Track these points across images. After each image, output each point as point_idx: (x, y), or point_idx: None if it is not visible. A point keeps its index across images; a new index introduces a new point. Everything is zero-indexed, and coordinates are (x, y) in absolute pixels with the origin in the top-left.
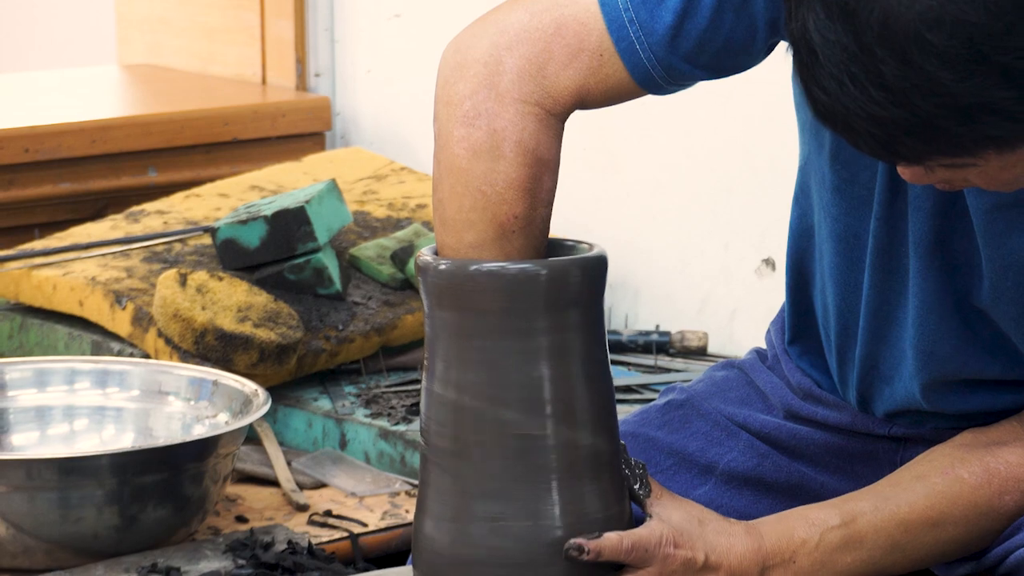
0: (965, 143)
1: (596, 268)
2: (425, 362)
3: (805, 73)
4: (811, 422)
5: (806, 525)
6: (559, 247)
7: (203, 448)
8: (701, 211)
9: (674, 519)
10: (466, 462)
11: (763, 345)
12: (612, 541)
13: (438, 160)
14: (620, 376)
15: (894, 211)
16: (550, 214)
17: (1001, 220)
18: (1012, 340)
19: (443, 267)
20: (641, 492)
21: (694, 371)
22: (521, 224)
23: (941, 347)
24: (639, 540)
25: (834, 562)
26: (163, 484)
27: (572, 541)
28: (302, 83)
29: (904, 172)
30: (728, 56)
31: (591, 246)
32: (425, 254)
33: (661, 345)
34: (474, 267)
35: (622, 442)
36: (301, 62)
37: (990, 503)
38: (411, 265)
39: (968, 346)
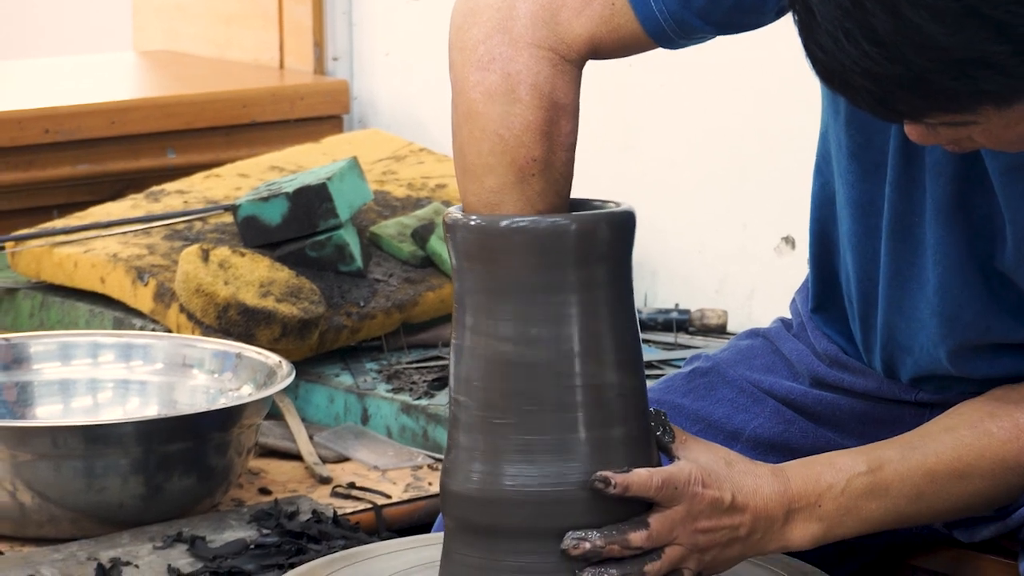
0: (961, 98)
1: (624, 223)
2: (454, 319)
3: (804, 32)
4: (837, 389)
5: (833, 470)
6: (587, 206)
7: (227, 417)
8: (719, 190)
9: (702, 460)
10: (495, 410)
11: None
12: (641, 476)
13: (455, 107)
14: None
15: (909, 178)
16: (572, 159)
17: (1021, 180)
18: None
19: (472, 223)
20: (665, 438)
21: (715, 348)
22: (540, 167)
23: (965, 313)
24: (669, 477)
25: (859, 508)
26: (188, 453)
27: (599, 473)
28: (320, 67)
29: (910, 132)
30: (740, 14)
31: (618, 204)
32: (453, 212)
33: (681, 323)
34: (504, 223)
35: None
36: (319, 46)
37: (1017, 458)
38: (432, 242)
39: (992, 311)
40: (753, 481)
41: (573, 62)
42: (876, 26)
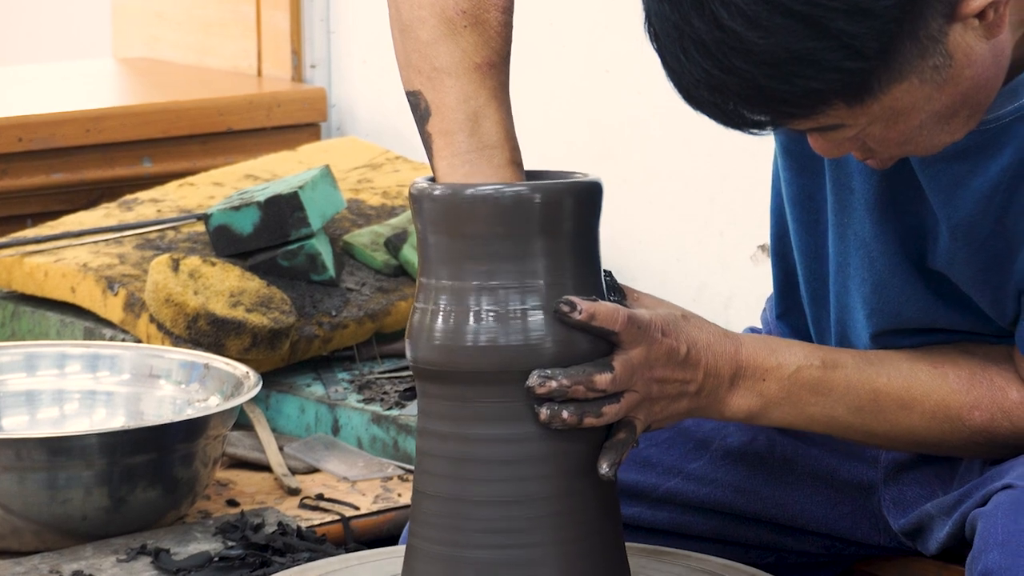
0: (800, 101)
1: (590, 193)
2: (418, 291)
3: (659, 57)
4: None
5: (788, 352)
6: (555, 177)
7: (192, 428)
8: (697, 198)
9: (660, 311)
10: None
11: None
12: (608, 307)
13: None
14: None
15: (838, 177)
16: (508, 22)
17: (945, 175)
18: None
19: (437, 192)
20: (615, 298)
21: None
22: (471, 20)
23: (906, 309)
24: (634, 315)
25: (799, 398)
26: (152, 465)
27: (566, 297)
28: (298, 74)
29: (814, 145)
30: None
31: (586, 175)
32: (419, 182)
33: None
34: (468, 191)
35: None
36: (297, 53)
37: (960, 411)
38: (405, 251)
39: (934, 307)
40: (707, 337)
41: None
42: (705, 40)
